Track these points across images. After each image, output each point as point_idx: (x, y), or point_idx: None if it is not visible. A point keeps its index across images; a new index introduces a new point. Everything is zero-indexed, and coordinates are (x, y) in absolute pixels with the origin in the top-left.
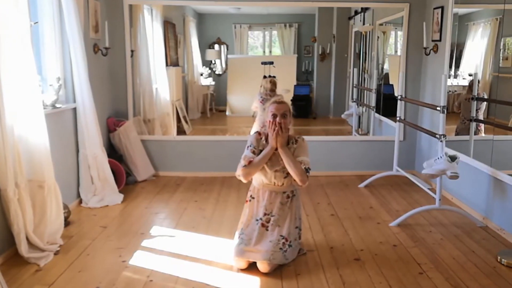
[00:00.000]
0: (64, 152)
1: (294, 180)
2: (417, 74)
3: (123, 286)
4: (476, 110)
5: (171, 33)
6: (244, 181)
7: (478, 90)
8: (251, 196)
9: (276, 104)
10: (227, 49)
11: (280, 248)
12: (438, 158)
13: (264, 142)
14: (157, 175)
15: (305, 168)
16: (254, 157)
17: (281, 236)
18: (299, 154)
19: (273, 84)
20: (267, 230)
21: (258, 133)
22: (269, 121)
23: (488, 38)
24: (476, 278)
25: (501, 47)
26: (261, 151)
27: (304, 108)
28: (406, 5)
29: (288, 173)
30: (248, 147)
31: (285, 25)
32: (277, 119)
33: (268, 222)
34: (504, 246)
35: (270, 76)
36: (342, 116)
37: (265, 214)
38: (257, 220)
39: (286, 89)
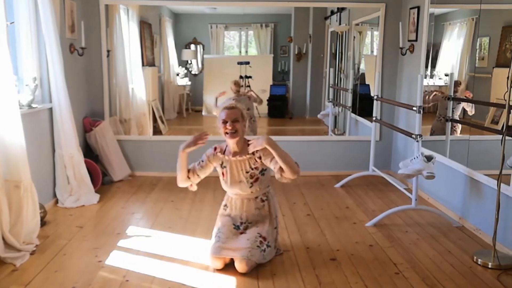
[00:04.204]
0: (40, 152)
1: (282, 175)
2: (393, 74)
3: (99, 286)
4: (452, 109)
5: (147, 33)
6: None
7: (455, 92)
8: (225, 205)
9: (227, 110)
10: (203, 49)
11: (258, 246)
12: (414, 158)
13: (221, 155)
14: (133, 175)
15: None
16: (197, 170)
17: (259, 234)
18: (268, 155)
19: (236, 84)
20: (245, 233)
21: (215, 147)
22: (222, 126)
23: (464, 38)
24: (452, 278)
25: (477, 47)
26: (221, 164)
27: (280, 108)
28: (382, 5)
29: (252, 183)
30: (200, 161)
31: (261, 25)
32: (228, 124)
33: (246, 229)
34: (480, 246)
35: (240, 77)
36: (318, 116)
37: (241, 223)
38: (234, 226)
39: (262, 89)
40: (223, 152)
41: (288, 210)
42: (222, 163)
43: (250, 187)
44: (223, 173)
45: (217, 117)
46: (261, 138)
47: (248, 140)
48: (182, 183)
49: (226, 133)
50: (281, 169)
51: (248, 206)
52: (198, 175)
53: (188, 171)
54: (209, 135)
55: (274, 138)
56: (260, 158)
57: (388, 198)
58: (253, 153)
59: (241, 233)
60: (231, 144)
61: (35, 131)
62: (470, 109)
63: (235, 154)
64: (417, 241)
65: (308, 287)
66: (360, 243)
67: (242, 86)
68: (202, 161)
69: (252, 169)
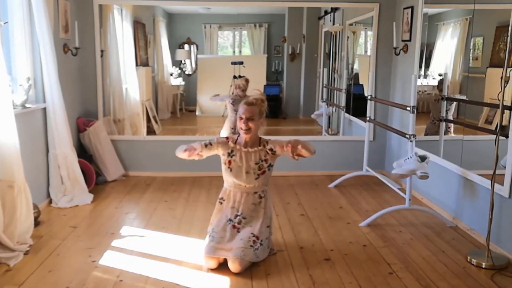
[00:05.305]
0: (34, 152)
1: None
2: (387, 74)
3: (93, 286)
4: (446, 110)
5: (141, 33)
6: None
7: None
8: (221, 198)
9: (246, 106)
10: (197, 49)
11: (251, 246)
12: (408, 158)
13: (232, 144)
14: (127, 175)
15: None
16: (199, 148)
17: (252, 234)
18: (279, 143)
19: (248, 83)
20: (238, 231)
21: (227, 137)
22: (239, 120)
23: (458, 38)
24: (446, 278)
25: (471, 47)
26: (229, 153)
27: (274, 108)
28: (376, 5)
29: (259, 175)
30: (208, 141)
31: (255, 25)
32: (242, 121)
33: (239, 223)
34: (474, 246)
35: (240, 76)
36: (312, 116)
37: (236, 216)
38: (228, 221)
39: (257, 89)
40: (235, 142)
41: (282, 210)
42: (232, 151)
43: (256, 178)
44: (229, 162)
45: (212, 114)
46: (294, 145)
47: (260, 138)
48: (180, 156)
49: (241, 128)
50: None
51: (245, 200)
52: (200, 153)
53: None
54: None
55: (268, 138)
56: (271, 150)
57: (382, 198)
58: (264, 146)
59: (234, 226)
60: (244, 137)
61: (29, 131)
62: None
63: (246, 145)
64: (411, 241)
65: (302, 287)
66: (354, 243)
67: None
68: (210, 143)
69: (262, 161)
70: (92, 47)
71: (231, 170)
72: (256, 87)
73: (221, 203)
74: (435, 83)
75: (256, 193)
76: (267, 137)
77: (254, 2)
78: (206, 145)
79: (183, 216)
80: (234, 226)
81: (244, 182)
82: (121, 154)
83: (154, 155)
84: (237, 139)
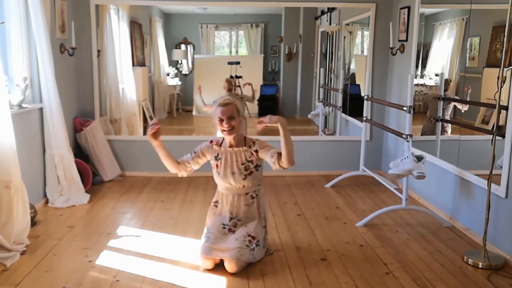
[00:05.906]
0: (31, 152)
1: (279, 163)
2: (384, 74)
3: (90, 286)
4: (443, 109)
5: (137, 33)
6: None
7: (446, 92)
8: (216, 201)
9: (222, 107)
10: (194, 49)
11: (247, 246)
12: (405, 158)
13: (217, 147)
14: (123, 175)
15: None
16: (189, 160)
17: (247, 234)
18: (266, 146)
19: (229, 83)
20: (233, 233)
21: (211, 141)
22: (218, 124)
23: (455, 38)
24: (443, 278)
25: (468, 47)
26: (215, 157)
27: (270, 108)
28: (373, 5)
29: (246, 175)
30: (193, 152)
31: (252, 25)
32: (224, 122)
33: (235, 226)
34: (471, 246)
35: (231, 77)
36: (309, 116)
37: (231, 219)
38: (223, 225)
39: (253, 89)
40: (220, 144)
41: (279, 210)
42: (218, 155)
43: (244, 179)
44: (217, 165)
45: (208, 115)
46: (276, 116)
47: (245, 137)
48: (172, 170)
49: (224, 130)
50: (278, 158)
51: (238, 202)
52: (189, 163)
53: (179, 162)
54: (158, 123)
55: (265, 138)
56: (256, 151)
57: (378, 198)
58: (249, 147)
59: (229, 230)
60: (228, 139)
61: (26, 131)
62: (462, 106)
63: (231, 146)
64: (407, 241)
65: (298, 287)
66: (350, 243)
67: (234, 85)
68: (195, 152)
69: (248, 161)
70: (88, 47)
71: (218, 174)
72: (254, 88)
73: (216, 206)
74: (432, 83)
75: (247, 194)
76: (254, 137)
77: (251, 2)
78: (191, 154)
79: (180, 216)
80: (230, 230)
81: (233, 182)
82: (118, 154)
83: (151, 155)
84: (221, 142)
